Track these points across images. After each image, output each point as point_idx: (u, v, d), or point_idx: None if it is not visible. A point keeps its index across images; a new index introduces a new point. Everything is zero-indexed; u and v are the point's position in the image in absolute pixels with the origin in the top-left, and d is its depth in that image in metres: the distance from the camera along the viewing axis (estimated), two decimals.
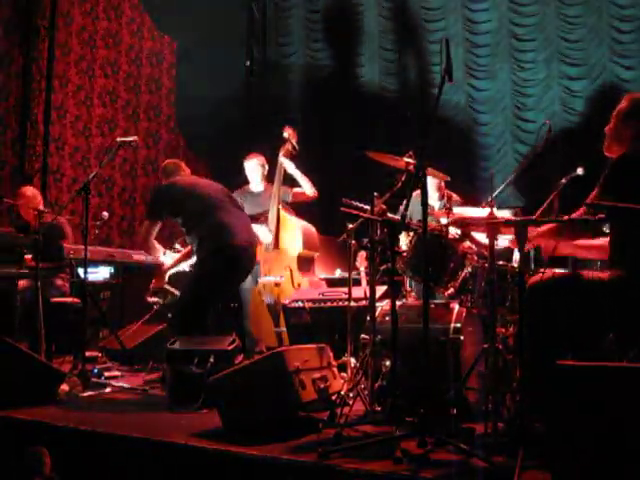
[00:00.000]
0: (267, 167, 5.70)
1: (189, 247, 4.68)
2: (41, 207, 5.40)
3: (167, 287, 4.67)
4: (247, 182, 5.76)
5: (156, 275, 4.73)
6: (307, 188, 5.52)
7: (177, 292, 4.66)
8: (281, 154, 5.54)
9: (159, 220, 4.56)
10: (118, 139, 4.75)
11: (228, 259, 4.35)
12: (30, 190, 5.72)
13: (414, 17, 8.31)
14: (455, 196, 5.17)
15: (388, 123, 8.35)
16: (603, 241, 2.96)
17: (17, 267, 5.06)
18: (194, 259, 4.58)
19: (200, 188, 4.61)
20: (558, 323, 2.69)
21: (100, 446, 3.07)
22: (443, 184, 5.20)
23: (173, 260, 4.71)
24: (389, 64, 8.53)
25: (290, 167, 5.52)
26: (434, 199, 5.17)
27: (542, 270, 2.92)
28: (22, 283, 5.07)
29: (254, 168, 5.66)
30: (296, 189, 5.58)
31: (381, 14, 8.57)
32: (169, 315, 4.81)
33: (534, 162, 3.65)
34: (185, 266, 4.77)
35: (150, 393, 4.26)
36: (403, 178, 3.93)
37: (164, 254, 4.70)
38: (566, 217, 2.79)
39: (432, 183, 4.85)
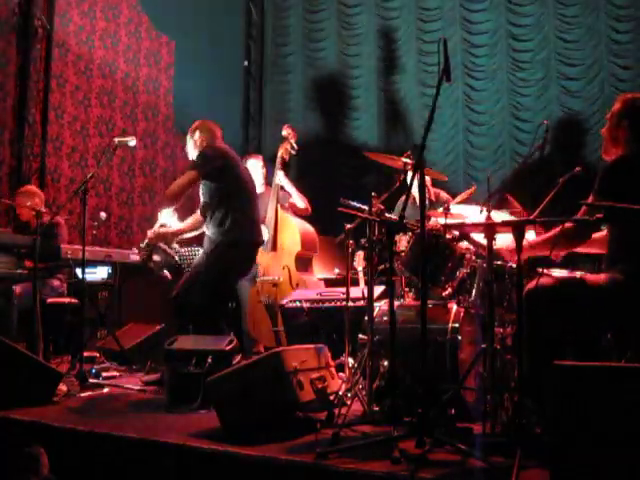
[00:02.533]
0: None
1: (193, 221, 4.55)
2: (41, 207, 5.40)
3: (162, 245, 4.48)
4: None
5: (156, 232, 4.49)
6: (300, 203, 5.59)
7: (173, 253, 4.53)
8: (280, 154, 5.55)
9: (204, 178, 4.28)
10: (116, 139, 4.74)
11: (249, 254, 4.42)
12: (30, 189, 5.71)
13: None
14: (443, 194, 5.08)
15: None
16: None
17: (15, 267, 5.07)
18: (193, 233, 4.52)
19: (246, 172, 4.60)
20: (557, 323, 2.69)
21: (98, 446, 3.07)
22: (429, 184, 5.02)
23: (176, 224, 4.52)
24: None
25: (284, 183, 5.55)
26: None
27: (540, 270, 2.92)
28: (20, 283, 5.06)
29: (256, 169, 5.65)
30: (294, 199, 5.61)
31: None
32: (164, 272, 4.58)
33: (532, 162, 3.65)
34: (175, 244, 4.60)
35: (148, 393, 4.25)
36: (401, 178, 3.93)
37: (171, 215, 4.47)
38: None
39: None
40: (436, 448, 2.62)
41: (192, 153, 4.47)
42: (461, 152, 8.02)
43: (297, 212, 5.62)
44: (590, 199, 2.80)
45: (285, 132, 5.60)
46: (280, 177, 5.53)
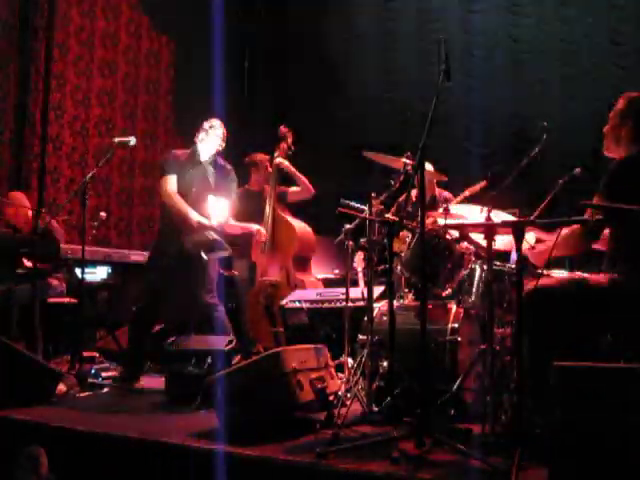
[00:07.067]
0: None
1: None
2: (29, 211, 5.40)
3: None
4: (245, 181, 5.73)
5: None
6: (303, 186, 5.52)
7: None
8: (276, 154, 5.53)
9: None
10: (116, 139, 4.73)
11: None
12: (18, 195, 5.67)
13: None
14: (446, 193, 5.04)
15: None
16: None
17: (15, 267, 5.07)
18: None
19: None
20: (557, 324, 2.69)
21: (97, 446, 3.07)
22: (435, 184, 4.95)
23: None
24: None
25: (286, 164, 5.51)
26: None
27: (540, 271, 2.92)
28: (19, 283, 5.06)
29: (264, 168, 5.63)
30: (292, 188, 5.57)
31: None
32: None
33: (532, 163, 3.65)
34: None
35: (147, 393, 4.25)
36: (401, 179, 3.93)
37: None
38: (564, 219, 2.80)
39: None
40: (435, 448, 2.63)
41: None
42: (461, 153, 8.01)
43: (299, 197, 5.55)
44: (595, 199, 2.79)
45: (282, 132, 5.58)
46: (280, 160, 5.48)
